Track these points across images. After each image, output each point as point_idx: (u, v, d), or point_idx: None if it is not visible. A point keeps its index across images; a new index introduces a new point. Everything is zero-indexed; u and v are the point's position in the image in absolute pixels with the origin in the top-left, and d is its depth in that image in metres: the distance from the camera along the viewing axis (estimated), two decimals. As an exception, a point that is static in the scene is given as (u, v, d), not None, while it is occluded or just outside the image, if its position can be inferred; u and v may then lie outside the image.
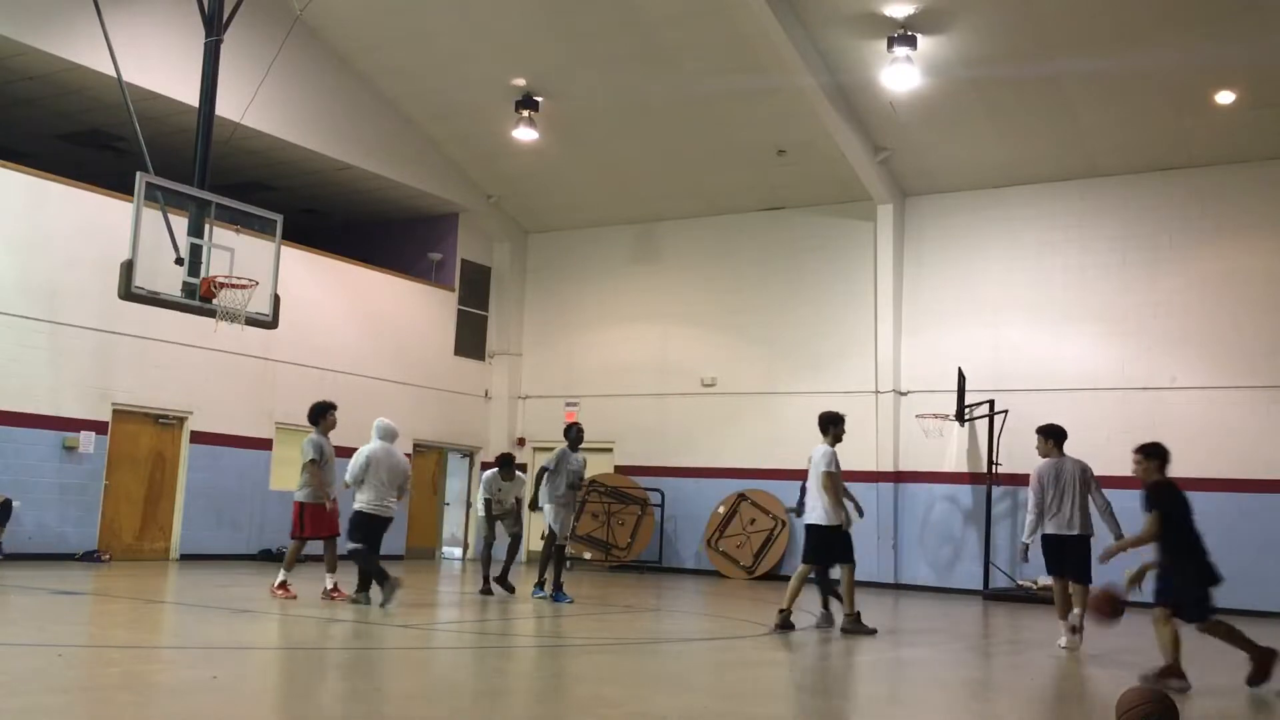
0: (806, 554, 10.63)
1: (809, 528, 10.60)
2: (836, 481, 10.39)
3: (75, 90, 16.01)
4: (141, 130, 13.01)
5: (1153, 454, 8.07)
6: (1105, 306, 17.21)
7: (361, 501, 11.18)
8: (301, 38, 16.97)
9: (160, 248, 12.54)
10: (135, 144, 13.11)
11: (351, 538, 11.19)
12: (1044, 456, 10.75)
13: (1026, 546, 10.60)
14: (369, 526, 11.16)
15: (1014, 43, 15.47)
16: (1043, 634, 11.36)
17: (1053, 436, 10.78)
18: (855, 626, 10.44)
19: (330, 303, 19.02)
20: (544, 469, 12.80)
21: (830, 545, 10.46)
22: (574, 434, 12.98)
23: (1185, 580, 7.64)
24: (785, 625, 10.36)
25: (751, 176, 19.30)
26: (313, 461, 11.38)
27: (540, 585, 12.74)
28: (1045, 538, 10.46)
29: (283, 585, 11.32)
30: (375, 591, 10.97)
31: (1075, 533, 10.34)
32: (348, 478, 11.27)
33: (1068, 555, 10.29)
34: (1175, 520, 7.66)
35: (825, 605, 11.20)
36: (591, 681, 7.34)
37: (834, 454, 10.50)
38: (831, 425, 10.74)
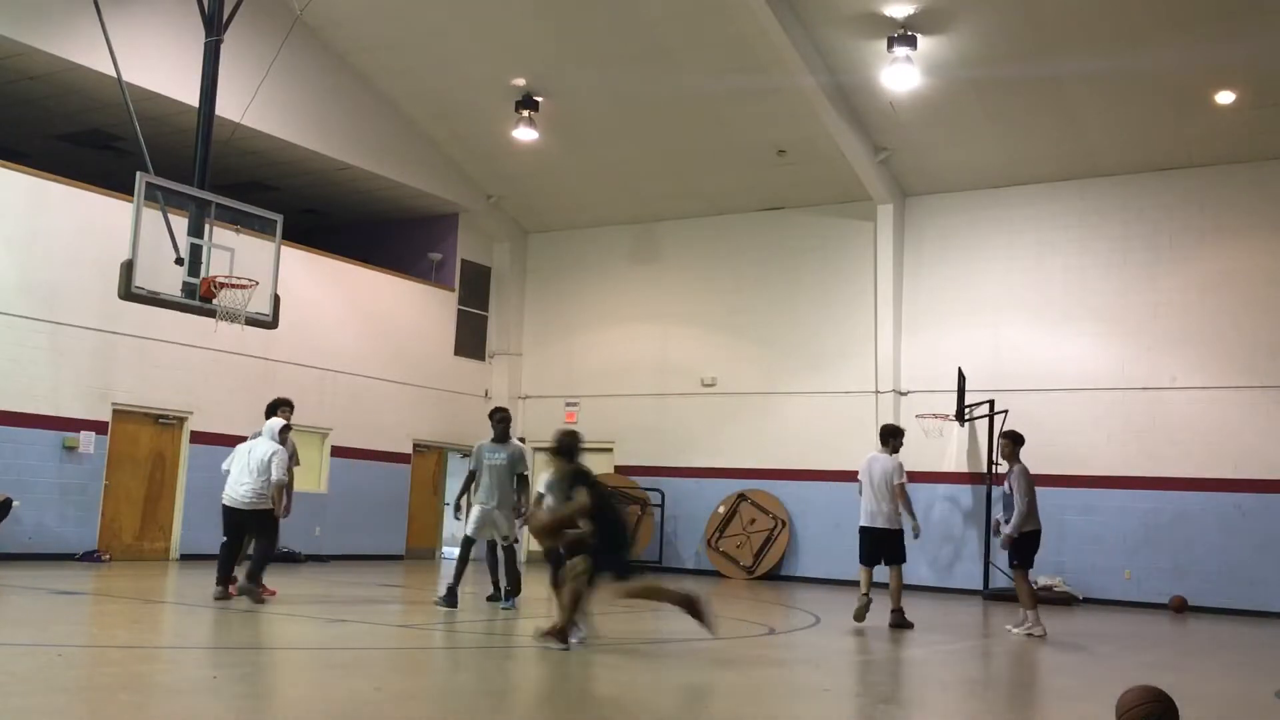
0: (893, 557, 11.39)
1: (881, 532, 11.35)
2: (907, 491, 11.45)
3: (75, 90, 16.02)
4: (141, 130, 13.01)
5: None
6: (1105, 306, 17.21)
7: None
8: (301, 38, 16.98)
9: (160, 248, 12.54)
10: (135, 144, 13.11)
11: None
12: (1009, 459, 11.61)
13: (1014, 538, 11.31)
14: (223, 517, 11.21)
15: (1014, 43, 15.47)
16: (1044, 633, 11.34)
17: (1021, 443, 11.68)
18: (901, 621, 11.19)
19: (330, 303, 19.02)
20: (471, 472, 11.65)
21: (897, 545, 11.39)
22: (496, 421, 11.47)
23: (604, 546, 8.52)
24: (902, 624, 11.15)
25: (751, 176, 19.29)
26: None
27: (507, 596, 11.44)
28: (1036, 534, 11.39)
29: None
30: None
31: None
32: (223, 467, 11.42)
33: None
34: (595, 499, 8.58)
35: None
36: (591, 681, 7.34)
37: (902, 465, 11.45)
38: (892, 437, 11.62)
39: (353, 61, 18.51)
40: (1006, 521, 11.32)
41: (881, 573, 11.52)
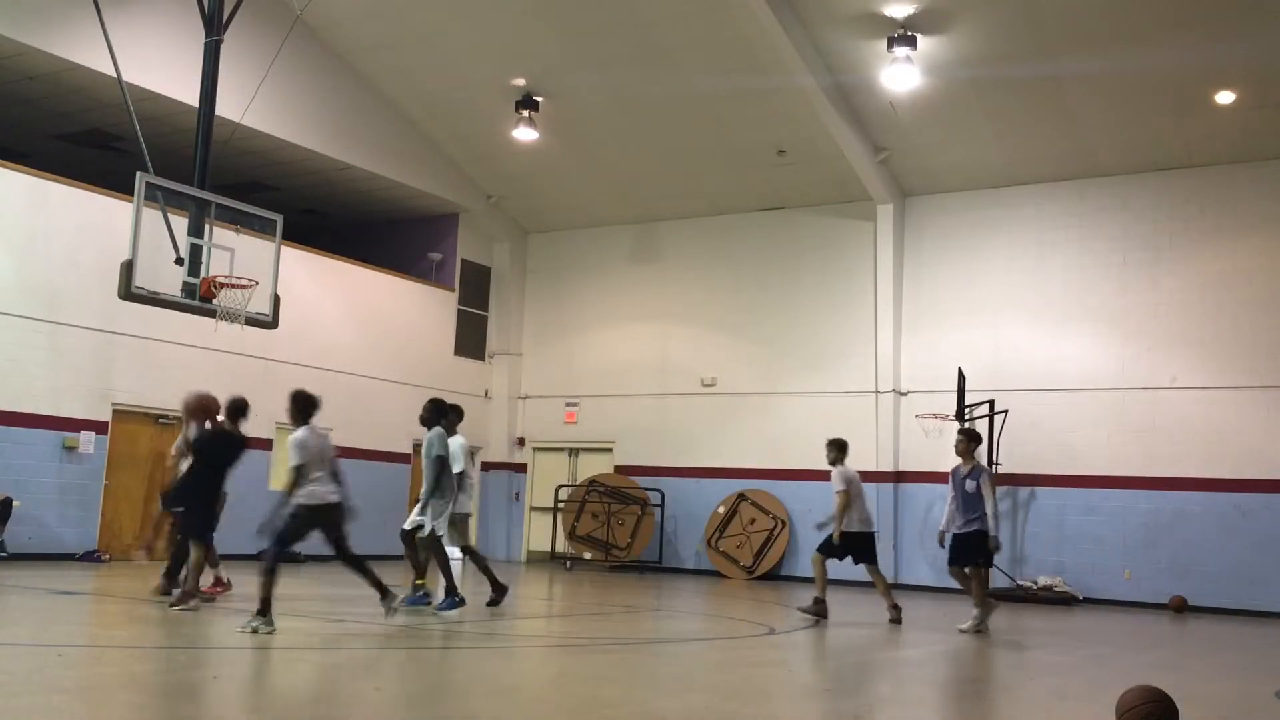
0: (873, 557, 12.12)
1: (869, 536, 12.07)
2: None
3: (75, 90, 16.02)
4: (141, 130, 13.02)
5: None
6: (1105, 306, 17.21)
7: None
8: (301, 38, 16.98)
9: (160, 248, 12.55)
10: (135, 144, 13.12)
11: None
12: (964, 457, 11.71)
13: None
14: None
15: (1014, 43, 15.47)
16: (1043, 633, 11.36)
17: (980, 442, 11.99)
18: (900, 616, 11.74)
19: (330, 303, 19.02)
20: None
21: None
22: (426, 411, 11.35)
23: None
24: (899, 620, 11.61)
25: (751, 176, 19.29)
26: None
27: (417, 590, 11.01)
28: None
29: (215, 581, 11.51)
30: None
31: None
32: None
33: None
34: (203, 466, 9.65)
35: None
36: (591, 681, 7.34)
37: None
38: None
39: (353, 61, 18.51)
40: (970, 520, 11.45)
41: (856, 572, 12.14)
